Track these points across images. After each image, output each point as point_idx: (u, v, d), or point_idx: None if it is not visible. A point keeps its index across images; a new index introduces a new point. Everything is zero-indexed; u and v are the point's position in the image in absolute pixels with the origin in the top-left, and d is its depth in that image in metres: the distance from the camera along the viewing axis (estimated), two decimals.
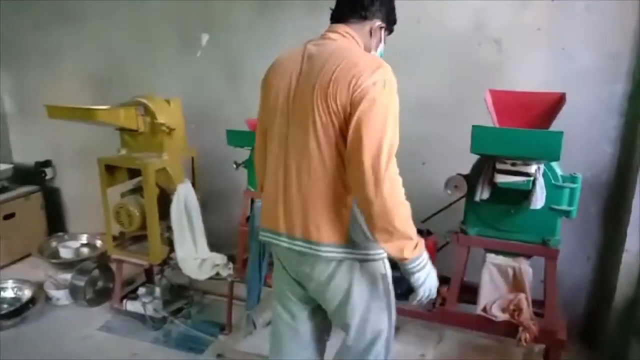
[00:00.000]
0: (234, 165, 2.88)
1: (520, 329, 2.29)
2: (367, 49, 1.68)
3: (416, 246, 1.58)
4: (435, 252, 2.62)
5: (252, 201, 2.89)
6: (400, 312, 2.60)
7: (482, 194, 2.22)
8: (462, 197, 2.39)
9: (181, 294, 3.28)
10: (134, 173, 3.14)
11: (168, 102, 3.01)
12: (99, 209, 3.08)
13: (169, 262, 3.07)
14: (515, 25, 2.73)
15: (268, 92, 1.71)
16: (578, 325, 2.82)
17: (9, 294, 3.34)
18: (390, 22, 1.75)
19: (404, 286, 2.38)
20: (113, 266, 3.33)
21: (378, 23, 1.68)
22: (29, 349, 2.85)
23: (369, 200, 1.47)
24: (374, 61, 1.53)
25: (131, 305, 3.11)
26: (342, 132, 1.51)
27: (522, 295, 2.33)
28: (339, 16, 1.69)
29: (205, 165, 3.34)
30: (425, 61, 2.91)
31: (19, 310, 3.09)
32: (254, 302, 2.83)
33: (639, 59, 2.56)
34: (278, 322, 1.92)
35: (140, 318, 3.08)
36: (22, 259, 3.94)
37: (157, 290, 3.18)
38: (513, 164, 2.07)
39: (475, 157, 2.67)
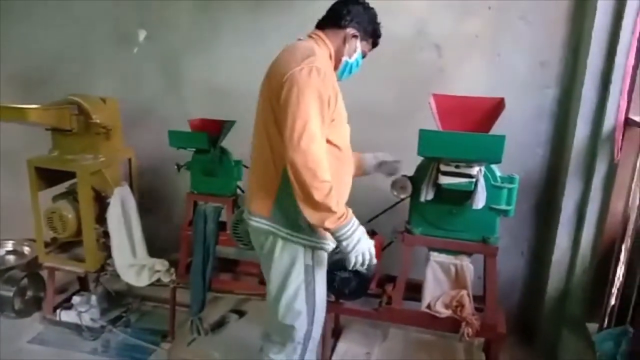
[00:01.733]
0: (176, 167, 2.79)
1: (463, 324, 2.37)
2: (340, 54, 1.89)
3: (341, 217, 1.72)
4: (380, 252, 2.67)
5: (195, 204, 2.82)
6: (346, 312, 2.67)
7: (427, 194, 2.28)
8: (407, 197, 2.44)
9: (119, 301, 3.14)
10: (67, 176, 2.97)
11: (104, 100, 2.88)
12: (28, 214, 2.88)
13: (105, 268, 2.92)
14: (455, 32, 2.83)
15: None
16: (514, 318, 2.96)
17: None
18: (368, 33, 1.95)
19: (352, 285, 2.44)
20: (44, 274, 3.14)
21: (352, 32, 1.87)
22: None
23: (291, 171, 1.63)
24: (306, 51, 1.70)
25: (66, 315, 2.94)
26: (276, 115, 1.70)
27: (464, 292, 2.41)
28: (319, 23, 1.93)
29: (144, 167, 3.22)
30: (371, 66, 2.93)
31: None
32: (198, 308, 2.77)
33: (567, 67, 2.73)
34: None
35: (76, 328, 2.93)
36: None
37: (94, 298, 3.03)
38: (457, 166, 2.13)
39: (419, 160, 2.77)
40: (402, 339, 2.90)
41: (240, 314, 3.09)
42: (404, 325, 2.62)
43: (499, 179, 2.28)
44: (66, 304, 3.04)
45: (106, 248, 2.89)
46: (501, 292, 2.70)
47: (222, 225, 2.77)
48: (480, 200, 2.20)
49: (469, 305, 2.40)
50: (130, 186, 2.97)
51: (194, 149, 2.66)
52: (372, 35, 1.98)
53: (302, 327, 1.91)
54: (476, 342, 2.74)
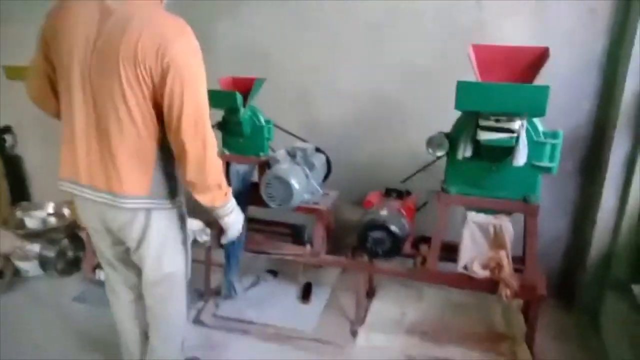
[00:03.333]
0: None
1: (501, 285, 2.31)
2: None
3: (225, 194, 1.82)
4: (414, 212, 2.61)
5: (228, 165, 2.80)
6: (380, 272, 2.64)
7: (465, 151, 2.19)
8: (442, 155, 2.36)
9: None
10: None
11: None
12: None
13: None
14: None
15: (60, 37, 1.67)
16: (554, 281, 2.87)
17: None
18: None
19: (385, 245, 2.40)
20: (83, 235, 3.22)
21: None
22: (1, 324, 2.74)
23: (186, 157, 1.63)
24: (177, 27, 1.61)
25: (103, 274, 3.00)
26: (153, 97, 1.61)
27: (502, 252, 2.35)
28: None
29: None
30: (407, 22, 2.84)
31: None
32: (234, 268, 2.79)
33: (618, 16, 2.53)
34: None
35: None
36: None
37: None
38: (497, 120, 2.03)
39: (456, 116, 2.66)
40: (437, 299, 2.86)
41: (275, 273, 3.11)
42: (441, 285, 2.57)
43: (541, 134, 2.17)
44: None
45: None
46: (542, 254, 2.62)
47: (254, 185, 2.76)
48: (521, 157, 2.10)
49: (507, 266, 2.33)
50: None
51: (227, 108, 2.61)
52: None
53: (181, 272, 1.98)
54: (515, 303, 2.67)
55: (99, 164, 1.70)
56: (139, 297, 2.04)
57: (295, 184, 2.41)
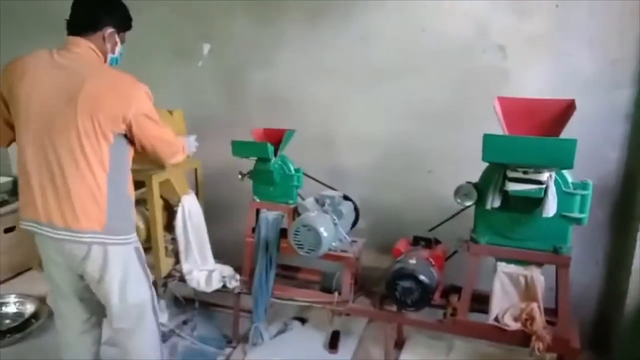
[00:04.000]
0: (239, 176, 2.85)
1: (534, 338, 2.27)
2: (104, 53, 2.02)
3: (183, 148, 2.32)
4: (444, 261, 2.60)
5: (258, 212, 2.87)
6: (410, 322, 2.62)
7: (493, 202, 2.20)
8: (470, 205, 2.37)
9: (185, 306, 3.23)
10: (136, 185, 3.10)
11: (171, 112, 2.98)
12: None
13: (173, 274, 3.02)
14: (519, 32, 2.72)
15: (15, 93, 1.89)
16: (588, 332, 2.80)
17: (11, 309, 3.29)
18: (124, 24, 2.10)
19: (414, 295, 2.39)
20: None
21: (110, 30, 2.00)
22: None
23: (165, 163, 2.29)
24: (127, 80, 1.93)
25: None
26: (108, 137, 1.87)
27: (534, 304, 2.31)
28: (74, 30, 1.96)
29: (208, 176, 3.31)
30: (431, 69, 2.90)
31: (22, 326, 3.04)
32: (262, 314, 2.81)
33: None
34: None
35: None
36: (23, 272, 3.88)
37: (162, 303, 3.14)
38: (525, 172, 2.05)
39: (483, 165, 2.68)
40: (467, 351, 2.80)
41: (303, 321, 3.10)
42: (471, 337, 2.52)
43: (570, 185, 2.17)
44: None
45: (174, 255, 2.99)
46: (574, 304, 2.57)
47: (283, 233, 2.80)
48: (551, 208, 2.10)
49: (539, 318, 2.29)
50: (197, 195, 3.06)
51: (256, 158, 2.70)
52: (127, 25, 2.13)
53: (149, 303, 2.14)
54: (548, 357, 2.60)
55: (56, 202, 1.88)
56: (89, 330, 2.25)
57: (323, 231, 2.44)
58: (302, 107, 3.22)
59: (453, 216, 2.64)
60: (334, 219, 2.54)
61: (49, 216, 1.91)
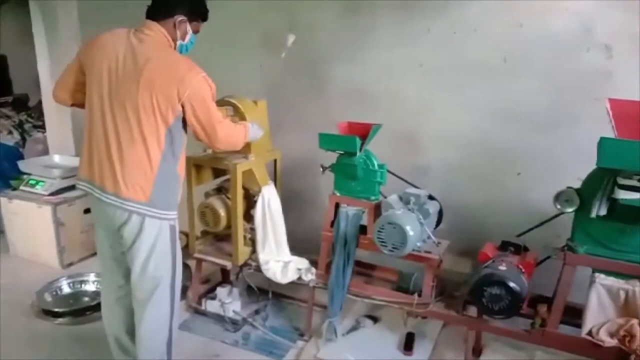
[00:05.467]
0: (321, 169, 2.83)
1: (632, 356, 2.13)
2: (174, 39, 2.14)
3: (246, 136, 2.39)
4: (534, 269, 2.48)
5: (337, 206, 2.83)
6: (494, 330, 2.52)
7: (600, 210, 2.07)
8: (571, 212, 2.24)
9: (258, 295, 3.25)
10: (217, 173, 3.15)
11: (255, 102, 2.99)
12: (179, 207, 3.08)
13: (249, 263, 3.04)
14: (628, 30, 2.54)
15: (92, 62, 2.08)
16: None
17: (90, 287, 3.42)
18: (196, 13, 2.20)
19: (503, 303, 2.29)
20: (191, 264, 3.35)
21: (180, 18, 2.12)
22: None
23: (221, 149, 2.31)
24: (188, 64, 2.05)
25: (210, 305, 3.11)
26: (166, 117, 2.00)
27: (635, 321, 2.16)
28: (151, 15, 2.12)
29: (285, 167, 3.31)
30: (527, 67, 2.77)
31: (100, 305, 3.14)
32: (337, 310, 2.78)
33: None
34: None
35: (219, 319, 3.08)
36: None
37: (236, 291, 3.17)
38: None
39: (577, 170, 2.53)
40: None
41: (374, 319, 3.05)
42: (560, 350, 2.39)
43: None
44: (210, 294, 3.21)
45: (251, 244, 3.01)
46: None
47: (362, 229, 2.76)
48: None
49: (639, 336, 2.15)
50: (275, 186, 3.06)
51: (340, 152, 2.66)
52: (200, 15, 2.22)
53: (167, 281, 2.20)
54: None
55: (110, 168, 2.03)
56: (124, 297, 2.30)
57: (409, 230, 2.37)
58: (385, 102, 3.16)
59: (546, 221, 2.51)
60: (420, 218, 2.46)
61: (102, 180, 2.06)
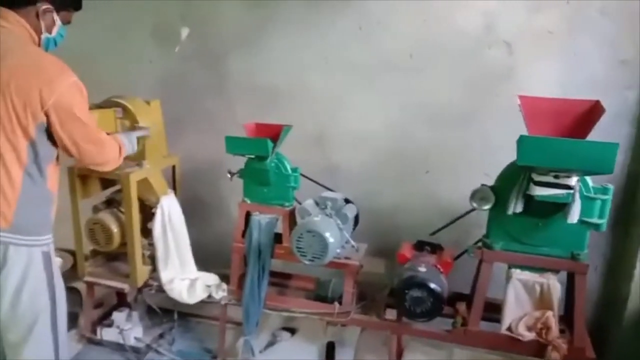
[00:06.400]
0: (228, 175, 2.59)
1: (549, 348, 2.18)
2: (38, 32, 1.81)
3: (121, 153, 2.06)
4: (451, 268, 2.46)
5: (248, 214, 2.62)
6: (416, 333, 2.46)
7: (516, 207, 2.08)
8: (487, 209, 2.24)
9: (161, 317, 2.94)
10: (106, 183, 2.78)
11: (148, 102, 2.68)
12: (63, 223, 2.67)
13: (150, 283, 2.72)
14: (528, 28, 2.61)
15: None
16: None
17: None
18: (64, 2, 1.87)
19: (425, 305, 2.24)
20: (80, 287, 2.94)
21: (44, 7, 1.78)
22: None
23: (94, 167, 2.00)
24: (56, 65, 1.73)
25: (107, 334, 2.75)
26: (26, 128, 1.68)
27: (549, 313, 2.22)
28: (6, 2, 1.77)
29: (185, 172, 3.02)
30: (432, 63, 2.74)
31: None
32: (253, 327, 2.59)
33: None
34: None
35: (118, 347, 2.75)
36: None
37: (135, 315, 2.84)
38: (556, 176, 1.93)
39: (484, 166, 2.54)
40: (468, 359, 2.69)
41: (292, 331, 2.88)
42: (483, 348, 2.40)
43: (591, 189, 2.08)
44: (106, 321, 2.84)
45: (150, 261, 2.69)
46: None
47: (277, 237, 2.57)
48: (576, 214, 2.00)
49: (555, 328, 2.21)
50: (175, 195, 2.77)
51: (250, 156, 2.45)
52: (69, 2, 1.90)
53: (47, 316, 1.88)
54: None
55: None
56: None
57: (329, 237, 2.24)
58: (292, 99, 2.98)
59: (458, 219, 2.51)
60: (339, 224, 2.34)
61: None
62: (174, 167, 2.89)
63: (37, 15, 1.78)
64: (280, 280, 2.83)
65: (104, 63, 3.20)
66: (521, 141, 1.86)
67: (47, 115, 1.69)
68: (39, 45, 1.85)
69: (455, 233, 2.63)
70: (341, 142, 2.97)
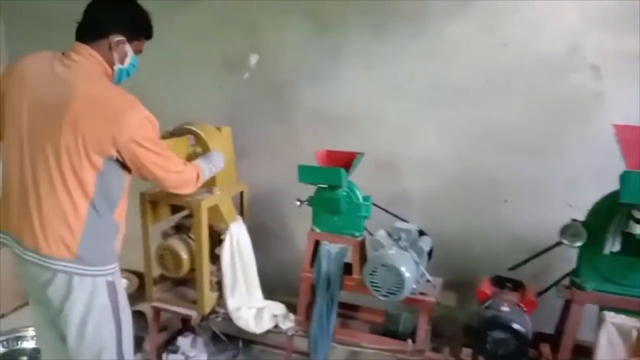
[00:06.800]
0: (297, 203, 2.54)
1: None
2: (111, 64, 1.80)
3: (198, 178, 2.07)
4: (535, 308, 2.29)
5: (317, 243, 2.55)
6: None
7: (614, 245, 1.92)
8: (578, 246, 2.08)
9: (225, 344, 2.90)
10: (175, 208, 2.79)
11: (219, 129, 2.68)
12: (133, 247, 2.68)
13: (216, 310, 2.69)
14: (616, 50, 2.44)
15: (10, 93, 1.74)
16: None
17: (28, 344, 2.92)
18: (137, 32, 1.85)
19: (509, 348, 2.10)
20: (145, 309, 2.95)
21: (117, 39, 1.77)
22: None
23: (174, 191, 2.02)
24: (125, 101, 1.71)
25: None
26: (95, 162, 1.67)
27: None
28: (80, 36, 1.77)
29: (251, 200, 3.00)
30: (511, 88, 2.61)
31: None
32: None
33: None
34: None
35: None
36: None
37: (200, 341, 2.81)
38: None
39: (568, 196, 2.50)
40: None
41: None
42: None
43: None
44: (171, 347, 2.82)
45: (217, 287, 2.66)
46: None
47: (346, 268, 2.49)
48: None
49: None
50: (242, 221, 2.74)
51: (324, 185, 2.38)
52: (141, 32, 1.88)
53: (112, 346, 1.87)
54: None
55: (26, 220, 1.71)
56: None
57: (405, 272, 2.14)
58: (359, 127, 2.91)
59: (542, 253, 2.35)
60: (415, 257, 2.23)
61: (20, 233, 1.74)
62: (242, 193, 2.88)
63: (110, 47, 1.78)
64: (345, 311, 2.74)
65: (166, 90, 3.23)
66: (626, 177, 1.72)
67: (118, 151, 1.69)
68: (112, 76, 1.84)
69: (533, 266, 2.48)
70: (410, 169, 2.87)
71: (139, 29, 1.87)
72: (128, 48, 1.82)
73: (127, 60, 1.84)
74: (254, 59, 3.06)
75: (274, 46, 3.02)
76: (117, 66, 1.82)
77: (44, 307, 1.90)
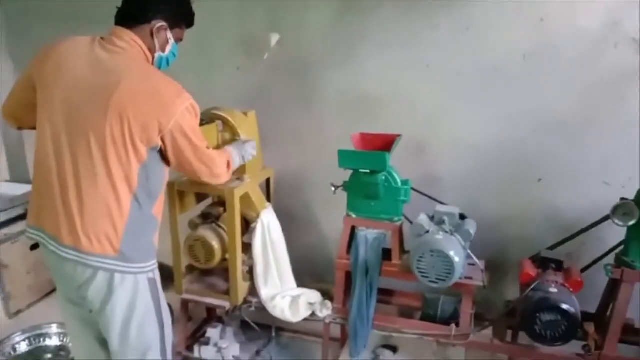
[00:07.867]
0: (332, 188, 2.45)
1: None
2: (152, 50, 1.75)
3: (229, 167, 2.00)
4: (581, 288, 2.26)
5: (353, 229, 2.49)
6: (545, 357, 2.28)
7: None
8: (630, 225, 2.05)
9: (258, 333, 2.83)
10: (200, 197, 2.70)
11: (245, 114, 2.58)
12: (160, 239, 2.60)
13: (248, 300, 2.63)
14: None
15: (44, 80, 1.66)
16: None
17: (52, 342, 2.84)
18: (179, 18, 1.80)
19: (560, 329, 2.07)
20: (172, 301, 2.87)
21: (159, 25, 1.72)
22: None
23: (206, 183, 1.96)
24: (173, 88, 1.66)
25: (205, 352, 2.66)
26: (140, 151, 1.61)
27: None
28: (121, 20, 1.72)
29: (276, 186, 2.92)
30: (548, 65, 2.54)
31: None
32: (362, 348, 2.45)
33: None
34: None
35: None
36: (50, 294, 3.39)
37: (230, 331, 2.75)
38: None
39: (604, 176, 2.51)
40: None
41: (393, 349, 2.74)
42: None
43: None
44: (202, 339, 2.76)
45: (249, 277, 2.60)
46: None
47: (386, 254, 2.43)
48: None
49: None
50: None
51: (365, 170, 2.30)
52: (184, 19, 1.84)
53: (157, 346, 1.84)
54: None
55: (65, 216, 1.63)
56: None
57: (454, 257, 2.09)
58: (388, 108, 2.82)
59: (582, 231, 2.34)
60: (461, 242, 2.18)
61: (57, 229, 1.66)
62: (268, 179, 2.79)
63: (152, 34, 1.72)
64: (382, 296, 2.68)
65: (188, 73, 3.09)
66: None
67: (163, 139, 1.65)
68: (152, 64, 1.78)
69: (568, 246, 2.47)
70: (443, 151, 2.80)
71: (182, 15, 1.82)
72: (170, 35, 1.78)
73: (168, 48, 1.79)
74: (274, 39, 2.94)
75: (296, 25, 2.89)
76: (158, 53, 1.78)
77: (78, 307, 1.84)
